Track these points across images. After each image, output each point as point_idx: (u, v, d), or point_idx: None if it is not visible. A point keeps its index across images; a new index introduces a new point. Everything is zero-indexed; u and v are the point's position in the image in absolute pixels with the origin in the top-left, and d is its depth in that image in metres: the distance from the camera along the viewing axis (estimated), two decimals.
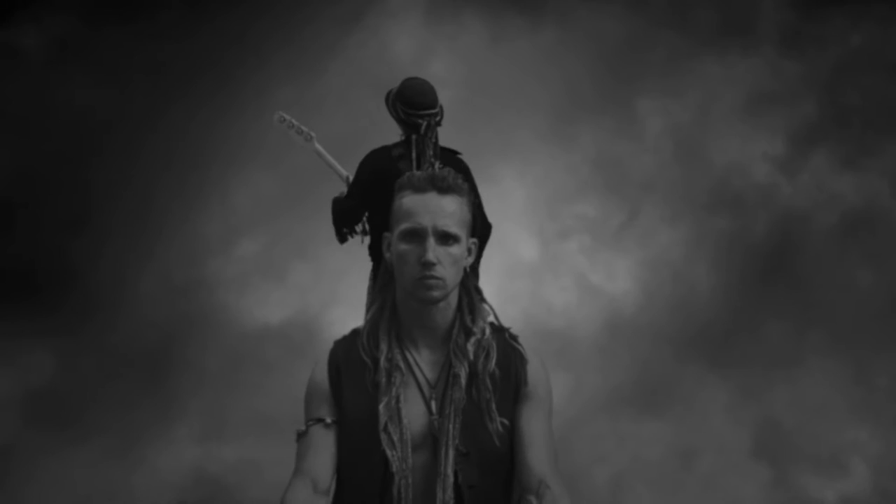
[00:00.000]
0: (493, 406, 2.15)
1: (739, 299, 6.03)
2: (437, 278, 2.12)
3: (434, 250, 2.12)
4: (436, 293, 2.14)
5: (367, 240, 4.34)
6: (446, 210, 2.15)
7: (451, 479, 2.11)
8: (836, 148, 6.25)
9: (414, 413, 2.15)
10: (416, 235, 2.14)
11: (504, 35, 6.27)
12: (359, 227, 4.34)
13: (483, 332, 2.21)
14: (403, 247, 2.16)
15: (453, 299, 2.22)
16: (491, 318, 2.29)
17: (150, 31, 5.98)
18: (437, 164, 4.19)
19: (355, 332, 2.27)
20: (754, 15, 6.33)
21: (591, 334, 6.02)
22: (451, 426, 2.13)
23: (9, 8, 5.97)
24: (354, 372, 2.19)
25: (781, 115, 6.30)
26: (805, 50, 6.30)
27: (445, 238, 2.14)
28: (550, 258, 6.24)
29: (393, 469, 2.10)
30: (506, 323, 2.30)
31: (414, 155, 4.14)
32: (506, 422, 2.16)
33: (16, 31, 6.03)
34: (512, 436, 2.17)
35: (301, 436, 2.20)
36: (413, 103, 4.14)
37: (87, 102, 6.00)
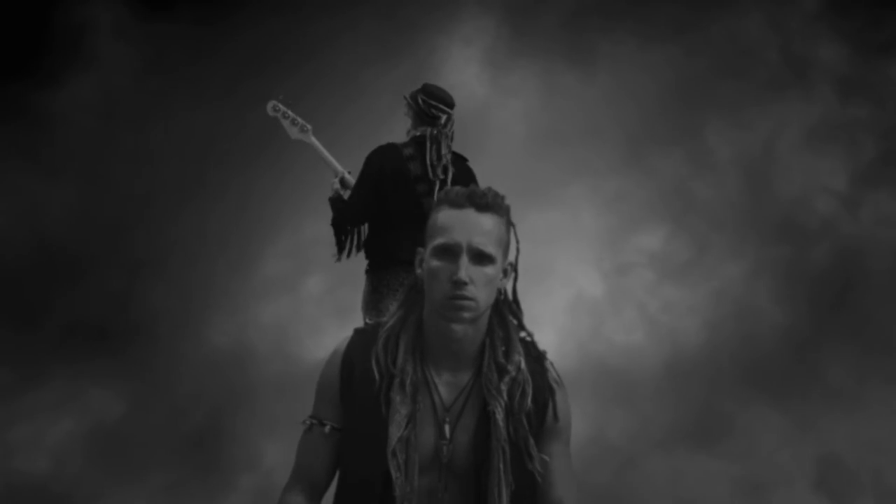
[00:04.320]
0: (532, 444, 2.08)
1: (802, 333, 6.01)
2: (468, 299, 2.01)
3: (467, 269, 2.00)
4: (466, 314, 2.02)
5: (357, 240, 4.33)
6: (483, 228, 2.03)
7: None
8: None
9: (425, 435, 2.07)
10: (450, 252, 2.02)
11: (560, 84, 6.35)
12: (354, 239, 4.30)
13: (518, 368, 2.10)
14: (436, 263, 2.03)
15: (482, 324, 2.10)
16: (522, 334, 2.18)
17: (202, 72, 6.11)
18: (447, 157, 4.22)
19: (377, 330, 2.16)
20: (814, 57, 6.35)
21: (653, 372, 6.01)
22: (500, 464, 2.05)
23: (62, 66, 6.17)
24: (368, 377, 2.09)
25: (843, 151, 6.30)
26: (866, 91, 6.31)
27: (480, 257, 2.02)
28: (613, 292, 6.25)
29: (396, 493, 2.02)
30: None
31: (428, 146, 4.19)
32: (546, 458, 2.10)
33: (69, 87, 6.16)
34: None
35: (305, 430, 2.16)
36: (436, 96, 4.25)
37: (147, 149, 6.13)
